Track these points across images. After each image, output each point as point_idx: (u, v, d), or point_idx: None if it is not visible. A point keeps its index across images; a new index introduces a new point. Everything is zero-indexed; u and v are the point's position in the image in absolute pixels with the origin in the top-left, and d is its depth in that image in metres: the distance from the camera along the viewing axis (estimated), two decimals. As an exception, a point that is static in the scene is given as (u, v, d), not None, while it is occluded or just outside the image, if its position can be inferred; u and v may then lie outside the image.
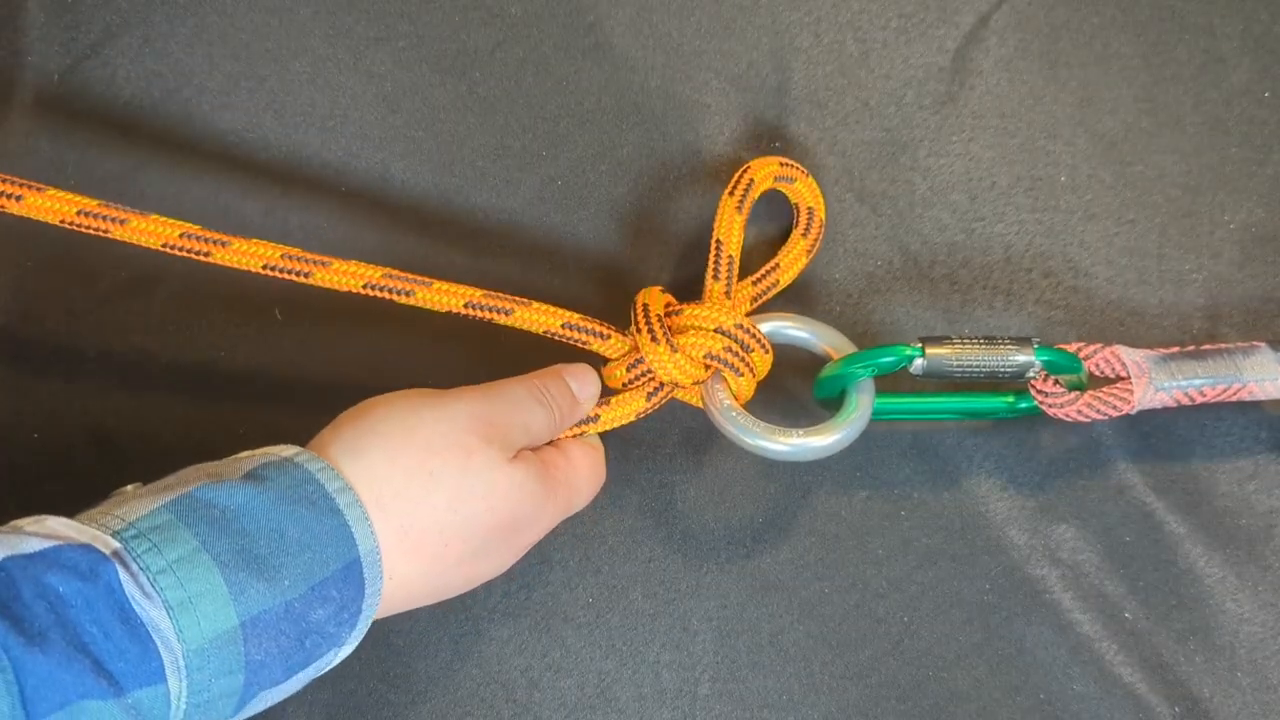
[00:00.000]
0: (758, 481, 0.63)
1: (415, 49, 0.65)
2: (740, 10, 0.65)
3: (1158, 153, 0.63)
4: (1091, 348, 0.59)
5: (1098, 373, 0.60)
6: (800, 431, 0.57)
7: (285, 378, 0.64)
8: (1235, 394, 0.58)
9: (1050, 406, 0.58)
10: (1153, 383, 0.58)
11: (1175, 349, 0.60)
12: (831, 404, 0.59)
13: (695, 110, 0.65)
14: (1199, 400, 0.59)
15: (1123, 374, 0.59)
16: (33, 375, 0.63)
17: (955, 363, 0.57)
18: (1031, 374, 0.58)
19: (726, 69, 0.65)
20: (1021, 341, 0.58)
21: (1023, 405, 0.60)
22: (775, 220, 0.64)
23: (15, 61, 0.65)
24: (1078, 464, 0.62)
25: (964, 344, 0.58)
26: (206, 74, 0.65)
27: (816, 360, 0.60)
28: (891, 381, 0.60)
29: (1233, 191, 0.63)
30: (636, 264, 0.65)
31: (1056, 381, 0.58)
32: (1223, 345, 0.60)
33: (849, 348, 0.59)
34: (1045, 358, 0.58)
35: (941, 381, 0.60)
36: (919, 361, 0.58)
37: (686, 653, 0.61)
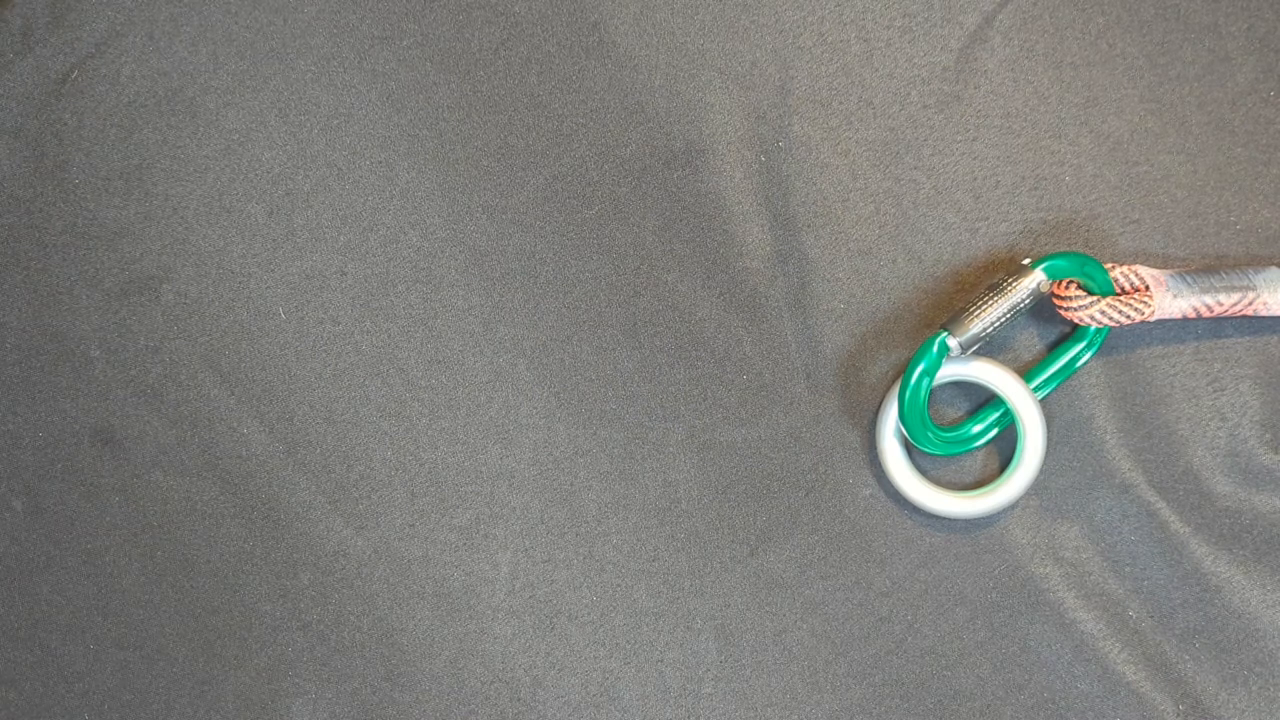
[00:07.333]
0: (761, 480, 0.63)
1: (419, 48, 0.65)
2: (744, 9, 0.65)
3: (1163, 153, 0.63)
4: (1110, 264, 0.61)
5: (1117, 289, 0.61)
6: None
7: (289, 376, 0.64)
8: (1249, 305, 0.60)
9: (1069, 311, 0.60)
10: (1169, 289, 0.60)
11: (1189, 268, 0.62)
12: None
13: (699, 109, 0.65)
14: (1215, 311, 0.60)
15: (1142, 288, 0.60)
16: (38, 374, 0.64)
17: (980, 324, 0.59)
18: (1045, 288, 0.59)
19: (730, 68, 0.65)
20: (1018, 271, 0.59)
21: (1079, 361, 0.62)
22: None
23: (19, 60, 0.65)
24: (1080, 463, 0.62)
25: (976, 305, 0.59)
26: (211, 73, 0.65)
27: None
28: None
29: (1239, 192, 0.63)
30: (640, 261, 0.65)
31: (1079, 286, 0.60)
32: (1234, 262, 0.62)
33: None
34: (1049, 262, 0.59)
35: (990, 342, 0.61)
36: (952, 341, 0.59)
37: (690, 651, 0.61)
